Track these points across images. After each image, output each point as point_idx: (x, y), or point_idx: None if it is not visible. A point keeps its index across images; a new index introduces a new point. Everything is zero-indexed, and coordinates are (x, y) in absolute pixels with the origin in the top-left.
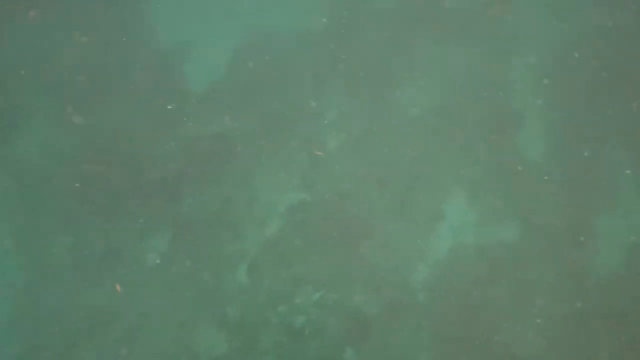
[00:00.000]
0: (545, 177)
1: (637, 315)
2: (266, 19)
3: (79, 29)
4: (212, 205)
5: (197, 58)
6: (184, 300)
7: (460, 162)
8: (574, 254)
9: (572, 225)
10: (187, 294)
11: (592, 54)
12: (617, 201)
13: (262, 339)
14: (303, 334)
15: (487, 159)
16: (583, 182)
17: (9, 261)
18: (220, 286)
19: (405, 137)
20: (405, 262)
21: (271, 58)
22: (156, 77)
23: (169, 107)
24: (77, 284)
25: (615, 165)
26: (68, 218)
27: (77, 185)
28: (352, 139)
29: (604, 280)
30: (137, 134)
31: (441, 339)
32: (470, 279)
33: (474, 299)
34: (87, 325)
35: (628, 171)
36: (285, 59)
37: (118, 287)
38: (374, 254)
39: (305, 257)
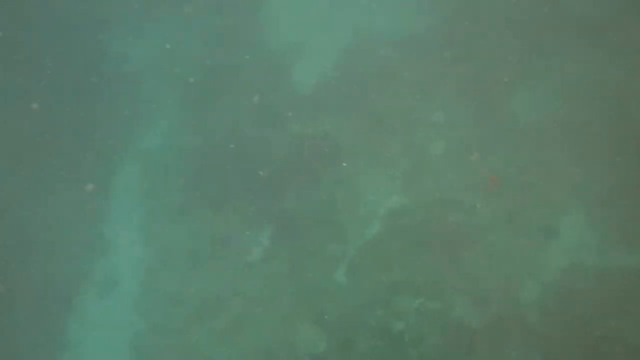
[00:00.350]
0: None
1: None
2: (375, 22)
3: (194, 29)
4: (314, 204)
5: (306, 59)
6: (284, 295)
7: (578, 177)
8: None
9: None
10: (288, 289)
11: None
12: None
13: (360, 340)
14: (402, 340)
15: (610, 176)
16: None
17: (134, 245)
18: (319, 284)
19: (516, 145)
20: (512, 277)
21: (379, 60)
22: (266, 77)
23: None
24: (191, 271)
25: None
26: (184, 209)
27: (193, 179)
28: (458, 144)
29: None
30: (247, 133)
31: None
32: (589, 305)
33: (596, 328)
34: (199, 309)
35: None
36: (393, 62)
37: None
38: (478, 265)
39: (404, 263)
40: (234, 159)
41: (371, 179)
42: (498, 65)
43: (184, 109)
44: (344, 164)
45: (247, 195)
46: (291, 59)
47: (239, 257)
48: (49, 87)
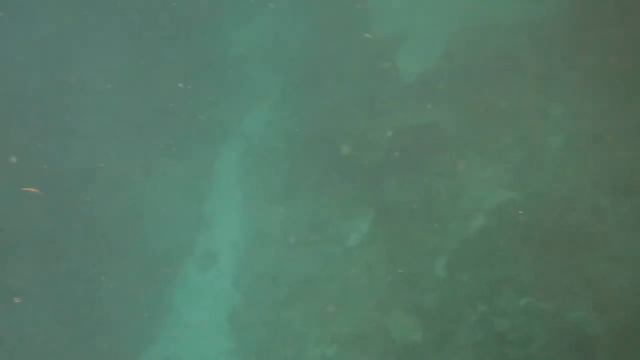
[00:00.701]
0: None
1: None
2: (487, 8)
3: (300, 16)
4: (415, 194)
5: (411, 47)
6: (381, 283)
7: None
8: None
9: None
10: (385, 277)
11: None
12: None
13: (459, 334)
14: (505, 339)
15: None
16: None
17: (234, 224)
18: (417, 275)
19: None
20: None
21: (490, 48)
22: (368, 65)
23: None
24: (288, 252)
25: None
26: (283, 192)
27: (293, 163)
28: (580, 138)
29: None
30: (349, 120)
31: None
32: None
33: None
34: (294, 289)
35: None
36: (506, 50)
37: None
38: (599, 268)
39: (511, 260)
40: (334, 146)
41: (478, 172)
42: (630, 58)
43: (287, 94)
44: (449, 154)
45: (347, 182)
46: (395, 47)
47: (336, 242)
48: (159, 69)
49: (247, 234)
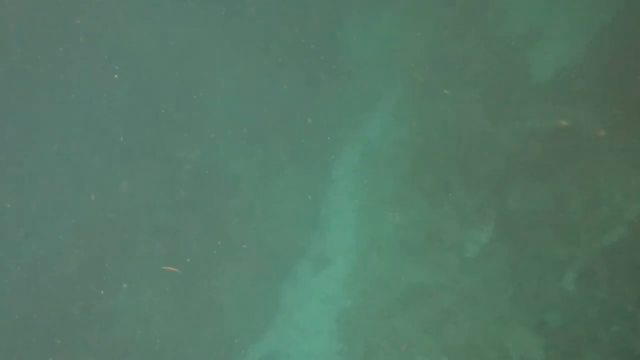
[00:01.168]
0: None
1: None
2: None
3: (422, 18)
4: (542, 204)
5: (546, 45)
6: (501, 296)
7: None
8: None
9: None
10: (506, 290)
11: None
12: None
13: (588, 356)
14: None
15: None
16: None
17: (349, 228)
18: (542, 290)
19: None
20: None
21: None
22: (498, 66)
23: None
24: (402, 259)
25: None
26: (399, 199)
27: (411, 169)
28: None
29: None
30: (472, 126)
31: None
32: None
33: None
34: (406, 297)
35: None
36: None
37: None
38: None
39: None
40: (454, 152)
41: (620, 180)
42: None
43: (407, 99)
44: (585, 161)
45: (467, 190)
46: (528, 46)
47: (453, 252)
48: (279, 70)
49: (361, 239)
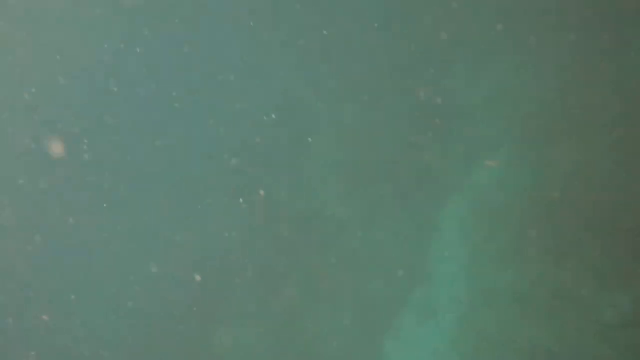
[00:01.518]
0: None
1: None
2: None
3: (533, 64)
4: None
5: None
6: None
7: None
8: None
9: None
10: None
11: None
12: None
13: None
14: None
15: None
16: None
17: (457, 280)
18: None
19: None
20: None
21: None
22: (625, 111)
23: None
24: (518, 318)
25: None
26: (514, 252)
27: (526, 220)
28: None
29: None
30: (602, 176)
31: None
32: None
33: None
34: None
35: None
36: None
37: None
38: None
39: None
40: (579, 205)
41: None
42: None
43: (522, 146)
44: None
45: (601, 248)
46: None
47: (586, 316)
48: (387, 118)
49: (470, 292)
